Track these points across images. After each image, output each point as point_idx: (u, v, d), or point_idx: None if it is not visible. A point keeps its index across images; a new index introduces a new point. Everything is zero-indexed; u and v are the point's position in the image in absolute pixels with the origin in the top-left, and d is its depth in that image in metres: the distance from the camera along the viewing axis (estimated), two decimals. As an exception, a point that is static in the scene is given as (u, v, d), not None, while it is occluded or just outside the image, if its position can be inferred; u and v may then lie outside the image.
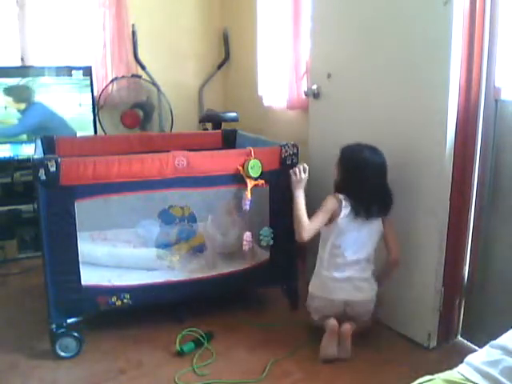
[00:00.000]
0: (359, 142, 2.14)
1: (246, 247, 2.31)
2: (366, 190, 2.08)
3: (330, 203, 2.10)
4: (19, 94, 3.10)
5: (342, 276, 2.10)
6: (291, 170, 2.24)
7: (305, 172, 2.23)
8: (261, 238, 2.33)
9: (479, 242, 2.09)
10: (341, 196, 2.10)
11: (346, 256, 2.10)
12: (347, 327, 2.06)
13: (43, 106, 3.15)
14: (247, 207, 2.24)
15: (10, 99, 3.07)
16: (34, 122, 3.12)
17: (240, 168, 2.22)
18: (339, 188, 2.15)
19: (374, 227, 2.12)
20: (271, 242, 2.35)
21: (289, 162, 2.32)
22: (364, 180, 2.07)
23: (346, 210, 2.09)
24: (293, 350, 2.13)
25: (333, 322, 2.06)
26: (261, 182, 2.25)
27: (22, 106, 3.11)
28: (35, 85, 3.11)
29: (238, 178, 2.24)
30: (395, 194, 2.16)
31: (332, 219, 2.11)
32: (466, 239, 2.12)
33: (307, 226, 2.09)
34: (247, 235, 2.32)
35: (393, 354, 2.10)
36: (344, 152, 2.14)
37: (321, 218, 2.10)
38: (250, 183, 2.22)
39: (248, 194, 2.22)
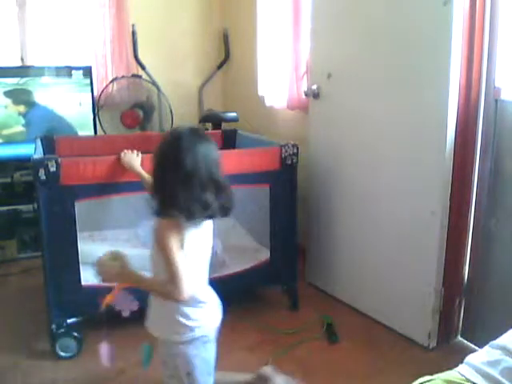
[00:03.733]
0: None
1: None
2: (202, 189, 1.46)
3: (172, 241, 1.41)
4: (19, 97, 3.09)
5: None
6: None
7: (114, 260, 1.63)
8: None
9: (479, 242, 2.09)
10: (172, 222, 1.41)
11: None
12: None
13: (46, 108, 3.15)
14: None
15: (9, 100, 3.06)
16: (41, 128, 3.08)
17: None
18: (169, 200, 1.41)
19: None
20: None
21: (289, 162, 2.32)
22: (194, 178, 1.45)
23: (188, 233, 1.45)
24: (292, 350, 2.13)
25: None
26: None
27: (23, 108, 3.11)
28: (35, 85, 3.11)
29: (238, 178, 2.23)
30: (395, 193, 2.16)
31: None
32: (466, 239, 2.12)
33: (184, 284, 1.43)
34: None
35: (393, 354, 2.10)
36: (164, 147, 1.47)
37: (182, 262, 1.42)
38: None
39: None
